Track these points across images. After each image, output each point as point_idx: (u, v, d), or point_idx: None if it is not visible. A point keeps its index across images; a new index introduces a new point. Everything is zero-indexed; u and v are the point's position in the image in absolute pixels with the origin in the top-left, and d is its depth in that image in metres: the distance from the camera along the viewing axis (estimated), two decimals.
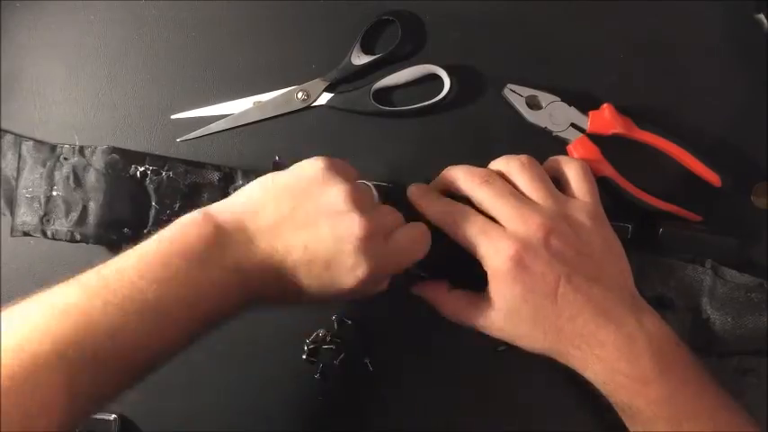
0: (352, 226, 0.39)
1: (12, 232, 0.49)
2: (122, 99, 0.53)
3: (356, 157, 0.49)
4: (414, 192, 0.46)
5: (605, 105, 0.49)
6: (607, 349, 0.41)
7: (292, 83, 0.52)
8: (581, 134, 0.50)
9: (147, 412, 0.52)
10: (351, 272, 0.40)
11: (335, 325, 0.52)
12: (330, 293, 0.41)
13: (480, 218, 0.43)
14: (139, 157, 0.49)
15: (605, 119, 0.49)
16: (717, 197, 0.51)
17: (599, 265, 0.43)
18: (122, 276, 0.36)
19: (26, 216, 0.49)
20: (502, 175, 0.45)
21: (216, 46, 0.52)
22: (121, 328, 0.34)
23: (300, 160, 0.42)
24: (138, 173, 0.48)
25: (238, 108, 0.52)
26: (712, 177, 0.50)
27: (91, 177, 0.48)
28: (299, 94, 0.52)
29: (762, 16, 0.50)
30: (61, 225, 0.48)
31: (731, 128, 0.52)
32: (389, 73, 0.51)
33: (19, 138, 0.52)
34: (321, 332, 0.52)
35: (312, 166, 0.41)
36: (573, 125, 0.50)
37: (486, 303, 0.43)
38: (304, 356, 0.52)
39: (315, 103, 0.52)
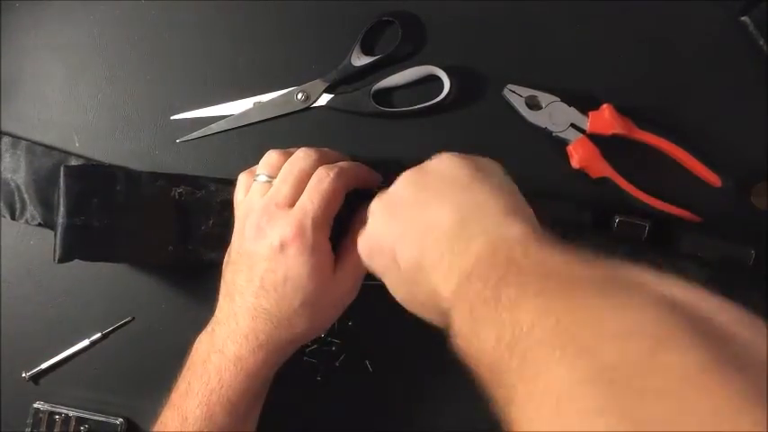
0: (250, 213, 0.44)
1: (57, 261, 0.48)
2: (122, 99, 0.53)
3: (356, 157, 0.49)
4: None
5: (605, 105, 0.49)
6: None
7: (292, 83, 0.52)
8: (581, 134, 0.49)
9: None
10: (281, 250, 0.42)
11: (335, 326, 0.52)
12: (295, 280, 0.43)
13: None
14: (178, 179, 0.50)
15: (605, 119, 0.49)
16: (717, 197, 0.51)
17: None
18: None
19: (77, 243, 0.48)
20: None
21: (216, 46, 0.52)
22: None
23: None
24: (176, 194, 0.50)
25: (238, 109, 0.52)
26: (712, 177, 0.50)
27: (140, 203, 0.50)
28: (299, 95, 0.51)
29: (746, 18, 0.50)
30: (112, 250, 0.49)
31: (731, 128, 0.52)
32: (389, 74, 0.51)
33: (37, 146, 0.52)
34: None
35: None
36: (573, 125, 0.50)
37: None
38: (304, 357, 0.52)
39: (315, 104, 0.52)
